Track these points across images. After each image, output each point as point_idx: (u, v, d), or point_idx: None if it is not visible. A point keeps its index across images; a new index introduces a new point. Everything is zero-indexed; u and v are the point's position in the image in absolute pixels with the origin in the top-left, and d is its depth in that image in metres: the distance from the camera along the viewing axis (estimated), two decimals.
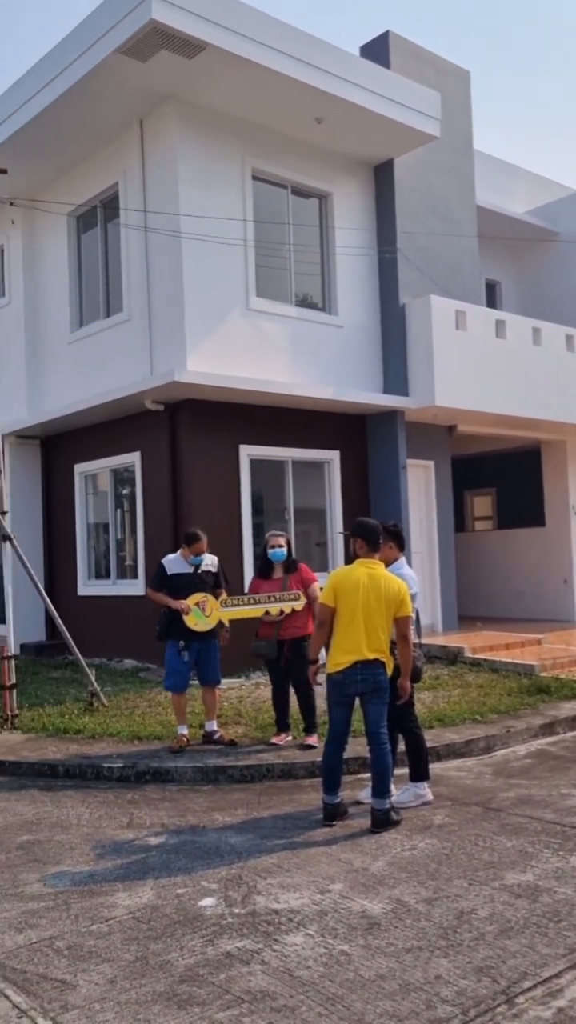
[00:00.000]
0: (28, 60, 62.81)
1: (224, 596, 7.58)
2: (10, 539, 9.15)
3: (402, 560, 6.24)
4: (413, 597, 5.89)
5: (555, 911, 4.18)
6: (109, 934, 4.10)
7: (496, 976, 3.56)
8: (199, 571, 7.65)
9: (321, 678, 6.06)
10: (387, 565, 5.98)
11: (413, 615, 5.82)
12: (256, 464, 11.64)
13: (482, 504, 17.66)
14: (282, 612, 7.46)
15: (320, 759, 6.96)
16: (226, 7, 9.81)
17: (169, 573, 7.65)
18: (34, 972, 3.74)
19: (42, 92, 10.77)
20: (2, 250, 13.93)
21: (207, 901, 4.46)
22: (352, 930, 4.05)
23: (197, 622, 7.45)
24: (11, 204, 10.07)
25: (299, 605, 7.45)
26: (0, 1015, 3.39)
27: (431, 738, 7.60)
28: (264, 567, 7.83)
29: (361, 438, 12.85)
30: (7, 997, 3.52)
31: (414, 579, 6.16)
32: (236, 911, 4.32)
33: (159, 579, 7.71)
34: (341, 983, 3.55)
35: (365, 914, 4.23)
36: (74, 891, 4.65)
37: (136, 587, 11.83)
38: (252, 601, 7.53)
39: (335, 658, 5.66)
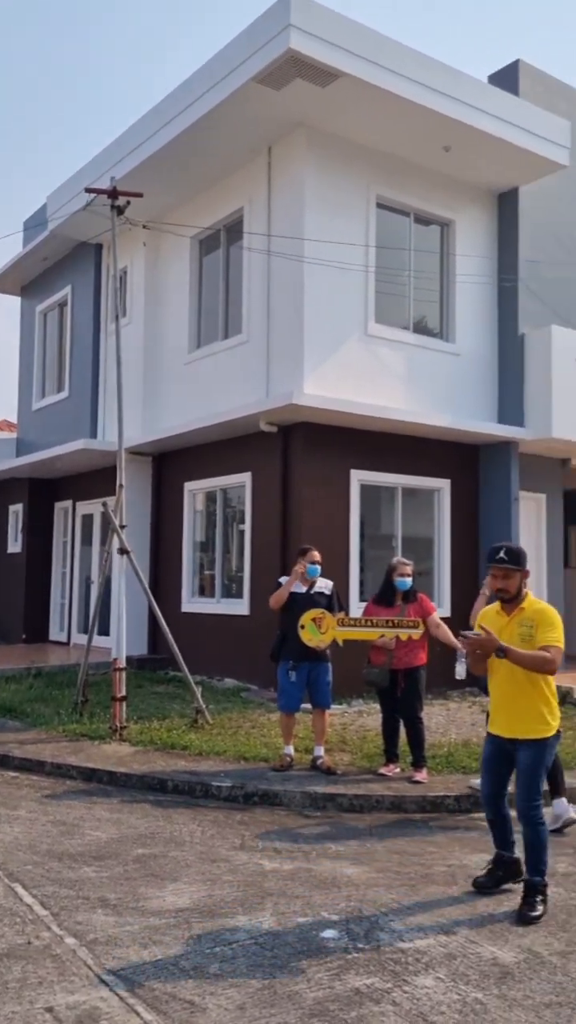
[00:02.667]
0: (161, 90, 64.85)
1: (342, 616, 7.52)
2: (127, 552, 9.31)
3: None
4: None
5: None
6: (234, 958, 4.05)
7: None
8: (311, 591, 7.63)
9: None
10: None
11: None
12: (365, 489, 11.58)
13: None
14: (397, 638, 7.36)
15: (429, 793, 6.82)
16: (362, 36, 9.90)
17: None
18: (162, 991, 3.71)
19: (177, 119, 11.07)
20: (126, 271, 14.33)
21: (329, 933, 4.36)
22: (484, 977, 3.90)
23: (311, 638, 7.41)
24: (144, 227, 10.32)
25: (417, 634, 7.32)
26: None
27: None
28: (384, 593, 7.71)
29: (473, 468, 12.65)
30: (139, 1014, 3.50)
31: None
32: (360, 946, 4.21)
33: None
34: None
35: (496, 962, 4.06)
36: (194, 910, 4.62)
37: (240, 606, 11.87)
38: (370, 624, 7.44)
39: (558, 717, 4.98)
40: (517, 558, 4.96)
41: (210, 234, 12.74)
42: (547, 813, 5.26)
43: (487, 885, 5.02)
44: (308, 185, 10.90)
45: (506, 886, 5.01)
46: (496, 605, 5.12)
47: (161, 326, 13.79)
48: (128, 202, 9.60)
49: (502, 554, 4.95)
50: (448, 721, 9.65)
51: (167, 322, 13.64)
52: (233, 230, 12.37)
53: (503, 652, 4.69)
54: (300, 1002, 3.64)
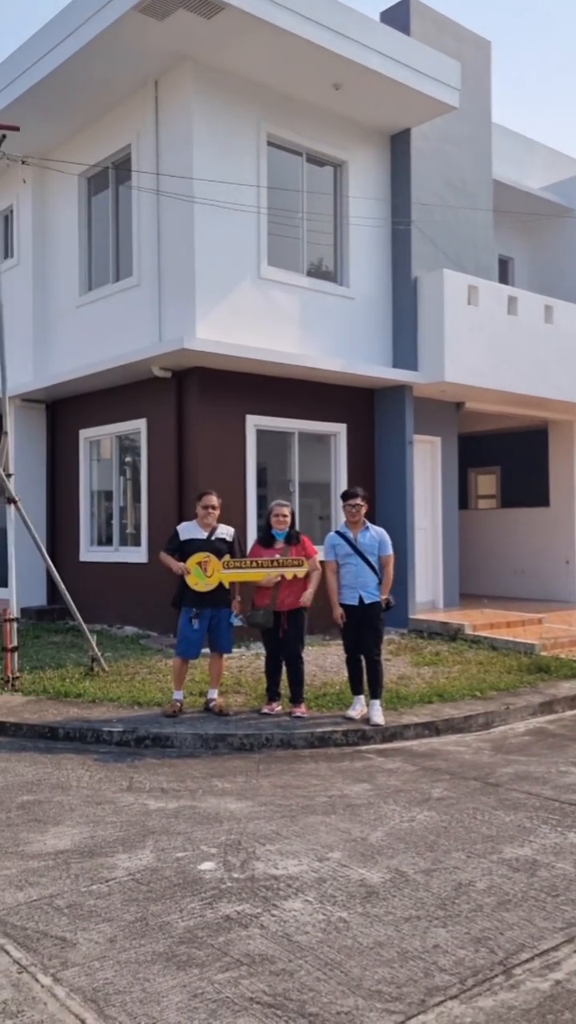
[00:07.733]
0: (42, 16, 61.83)
1: (227, 558, 7.56)
2: (14, 501, 9.12)
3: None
4: None
5: (553, 886, 4.20)
6: (109, 894, 4.12)
7: (494, 947, 3.57)
8: (212, 538, 7.64)
9: None
10: None
11: None
12: (262, 435, 11.59)
13: (486, 482, 17.61)
14: (282, 577, 7.47)
15: (317, 729, 7.02)
16: None
17: (182, 539, 7.66)
18: (34, 929, 3.76)
19: (56, 49, 10.59)
20: (11, 210, 13.79)
21: (206, 865, 4.48)
22: (351, 898, 4.08)
23: (198, 582, 7.46)
24: (23, 163, 9.87)
25: (302, 572, 7.46)
26: (0, 970, 3.41)
27: (429, 713, 7.64)
28: (267, 537, 7.82)
29: (368, 412, 12.78)
30: (7, 952, 3.54)
31: None
32: (235, 876, 4.34)
33: (171, 543, 7.73)
34: (339, 949, 3.57)
35: (364, 883, 4.25)
36: (74, 851, 4.67)
37: (139, 554, 11.82)
38: (255, 564, 7.53)
39: None
40: None
41: (98, 172, 12.33)
42: None
43: None
44: (196, 121, 10.63)
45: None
46: None
47: (51, 268, 13.35)
48: (3, 136, 9.18)
49: None
50: (342, 661, 9.86)
51: (57, 264, 13.21)
52: (121, 168, 12.00)
53: None
54: (170, 931, 3.74)
